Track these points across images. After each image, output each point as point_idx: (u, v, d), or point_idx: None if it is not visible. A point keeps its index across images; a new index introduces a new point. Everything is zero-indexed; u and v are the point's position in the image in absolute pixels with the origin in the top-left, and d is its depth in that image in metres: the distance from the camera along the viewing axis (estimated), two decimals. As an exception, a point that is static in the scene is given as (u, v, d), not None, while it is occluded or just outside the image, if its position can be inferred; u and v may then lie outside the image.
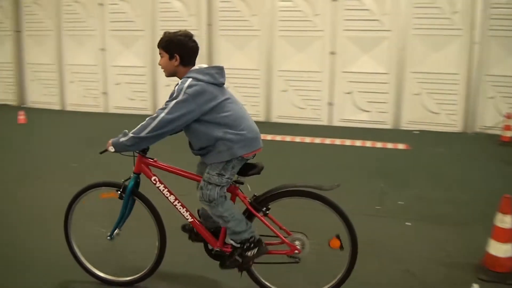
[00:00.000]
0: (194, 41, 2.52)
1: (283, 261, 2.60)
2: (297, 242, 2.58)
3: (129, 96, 10.34)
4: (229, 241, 2.55)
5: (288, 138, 7.63)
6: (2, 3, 11.34)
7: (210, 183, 2.44)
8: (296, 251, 2.56)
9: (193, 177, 2.57)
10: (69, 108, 11.04)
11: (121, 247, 3.01)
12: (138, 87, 10.22)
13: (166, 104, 2.37)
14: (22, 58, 11.41)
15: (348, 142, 7.36)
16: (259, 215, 2.54)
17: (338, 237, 2.49)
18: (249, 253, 2.54)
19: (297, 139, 7.58)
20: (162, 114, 2.35)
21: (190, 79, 2.40)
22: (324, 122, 8.96)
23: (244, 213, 2.53)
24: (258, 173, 2.52)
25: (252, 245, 2.54)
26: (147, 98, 10.18)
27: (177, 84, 2.40)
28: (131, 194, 2.62)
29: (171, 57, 2.49)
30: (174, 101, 2.36)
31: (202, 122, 2.39)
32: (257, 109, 9.24)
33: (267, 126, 8.44)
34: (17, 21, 11.23)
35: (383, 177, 5.37)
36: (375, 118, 8.68)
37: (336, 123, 8.89)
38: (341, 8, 8.52)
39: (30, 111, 10.48)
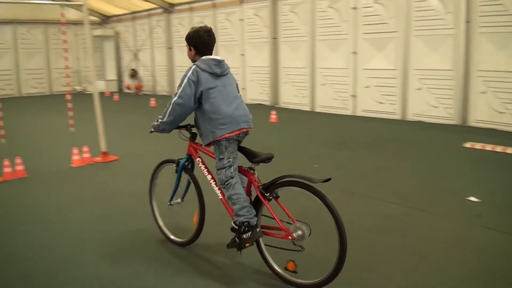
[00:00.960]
0: (209, 35, 3.78)
1: (288, 248, 3.45)
2: (299, 232, 3.38)
3: (378, 99, 12.49)
4: (231, 223, 3.65)
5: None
6: (260, 13, 15.06)
7: (218, 169, 3.72)
8: (290, 237, 3.39)
9: None
10: (318, 109, 13.98)
11: (180, 213, 4.51)
12: (388, 90, 12.32)
13: (177, 89, 3.69)
14: (278, 62, 14.90)
15: None
16: (265, 201, 3.52)
17: (292, 261, 3.40)
18: (244, 236, 3.52)
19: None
20: (174, 99, 3.67)
21: (194, 67, 3.70)
22: None
23: (255, 198, 3.62)
24: (264, 161, 3.60)
25: (246, 229, 3.51)
26: (396, 102, 12.22)
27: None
28: (182, 170, 4.14)
29: (189, 48, 3.84)
30: (181, 87, 3.64)
31: (198, 108, 3.70)
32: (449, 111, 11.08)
33: (463, 130, 9.91)
34: (275, 28, 14.73)
35: None
36: None
37: None
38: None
39: (281, 111, 13.85)
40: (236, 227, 3.61)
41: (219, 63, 3.77)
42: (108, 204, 5.84)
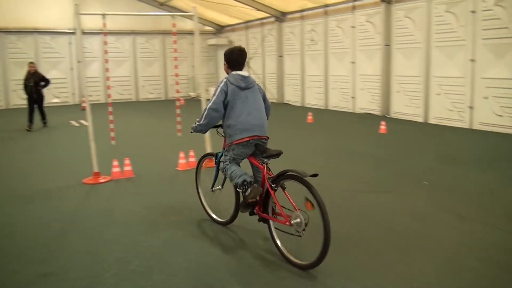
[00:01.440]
0: (240, 54, 4.60)
1: (290, 232, 4.18)
2: (297, 219, 4.04)
3: (497, 111, 11.45)
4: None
5: None
6: (373, 20, 14.61)
7: (222, 162, 4.74)
8: (287, 223, 4.12)
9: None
10: (432, 121, 13.21)
11: (221, 198, 5.43)
12: (508, 102, 11.25)
13: (211, 98, 4.50)
14: (390, 70, 14.33)
15: None
16: (271, 190, 4.31)
17: (307, 199, 3.93)
18: (246, 193, 4.40)
19: None
20: (209, 105, 4.51)
21: (225, 80, 4.53)
22: None
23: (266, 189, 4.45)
24: (272, 156, 4.35)
25: (246, 187, 4.41)
26: (517, 115, 11.06)
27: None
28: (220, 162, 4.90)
29: (225, 63, 4.69)
30: (215, 95, 4.48)
31: (224, 114, 4.53)
32: None
33: None
34: (387, 35, 14.19)
35: None
36: None
37: None
38: None
39: (392, 121, 13.25)
40: (240, 190, 4.51)
41: (245, 78, 4.58)
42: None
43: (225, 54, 4.69)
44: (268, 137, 4.64)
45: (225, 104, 4.50)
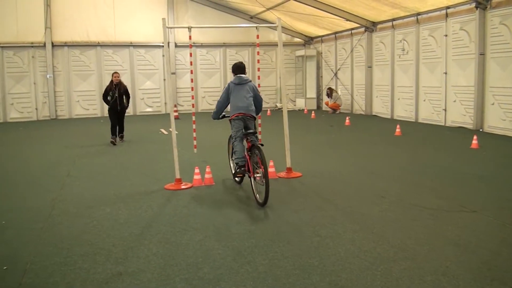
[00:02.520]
0: (239, 66, 7.60)
1: (258, 182, 6.73)
2: (258, 174, 6.68)
3: None
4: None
5: None
6: (466, 27, 13.86)
7: (233, 136, 7.45)
8: (252, 176, 6.95)
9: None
10: (531, 136, 12.15)
11: None
12: None
13: (221, 94, 7.61)
14: (484, 81, 13.50)
15: None
16: (247, 155, 7.16)
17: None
18: (237, 170, 7.22)
19: None
20: (219, 99, 7.62)
21: (229, 82, 7.58)
22: None
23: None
24: (248, 134, 7.20)
25: (238, 167, 7.20)
26: None
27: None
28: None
29: (232, 71, 7.73)
30: (223, 92, 7.56)
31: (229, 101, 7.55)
32: None
33: None
34: (482, 43, 13.41)
35: None
36: None
37: None
38: None
39: (485, 136, 12.47)
40: (234, 166, 7.55)
41: (239, 78, 7.53)
42: (284, 220, 5.90)
43: (232, 66, 7.73)
44: (252, 115, 7.46)
45: (228, 96, 7.49)
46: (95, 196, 7.37)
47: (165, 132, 15.29)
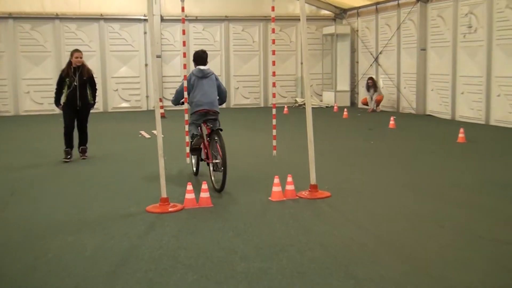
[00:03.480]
0: (202, 55, 9.40)
1: (215, 168, 8.91)
2: (217, 160, 8.72)
3: None
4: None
5: None
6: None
7: (189, 123, 9.19)
8: (210, 162, 9.02)
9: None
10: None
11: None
12: None
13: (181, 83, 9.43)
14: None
15: None
16: (206, 141, 9.18)
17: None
18: (193, 141, 9.07)
19: None
20: (177, 88, 9.55)
21: (190, 73, 9.39)
22: None
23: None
24: (208, 120, 9.23)
25: (193, 137, 9.13)
26: None
27: None
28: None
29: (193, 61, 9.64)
30: (182, 82, 9.15)
31: (190, 94, 9.22)
32: None
33: None
34: None
35: None
36: None
37: None
38: None
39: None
40: (191, 140, 9.05)
41: (202, 71, 9.23)
42: (307, 255, 5.90)
43: (193, 55, 9.50)
44: (216, 111, 9.26)
45: (189, 88, 9.11)
46: (51, 221, 7.39)
47: (147, 136, 15.38)
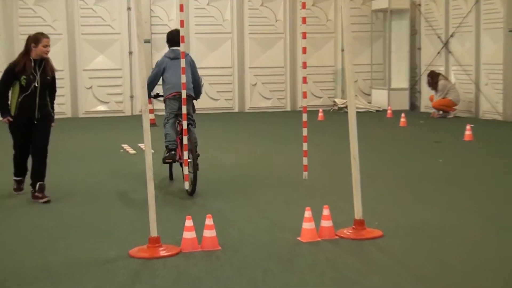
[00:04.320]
0: (174, 34, 11.76)
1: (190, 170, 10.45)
2: (189, 159, 10.57)
3: None
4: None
5: None
6: None
7: (165, 118, 11.74)
8: (181, 160, 11.21)
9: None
10: None
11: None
12: None
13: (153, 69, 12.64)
14: None
15: None
16: (179, 138, 11.43)
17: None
18: (166, 154, 11.43)
19: None
20: (150, 74, 11.92)
21: (163, 56, 12.04)
22: None
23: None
24: (178, 115, 11.22)
25: (167, 151, 11.41)
26: None
27: None
28: None
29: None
30: (154, 66, 12.50)
31: (162, 78, 11.90)
32: None
33: None
34: None
35: None
36: None
37: None
38: None
39: None
40: (165, 149, 11.46)
41: (174, 51, 11.34)
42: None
43: (167, 35, 11.87)
44: (191, 95, 11.02)
45: (161, 72, 11.35)
46: (3, 269, 7.41)
47: (132, 151, 15.53)
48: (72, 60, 22.43)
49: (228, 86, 24.12)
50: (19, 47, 21.07)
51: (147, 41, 22.68)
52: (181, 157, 10.92)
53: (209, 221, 8.00)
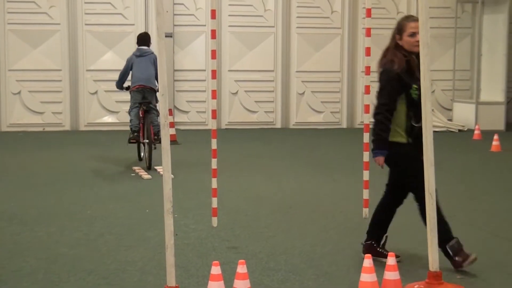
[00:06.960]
0: (142, 36, 19.34)
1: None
2: (147, 140, 18.68)
3: None
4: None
5: None
6: None
7: (130, 107, 18.93)
8: (142, 140, 19.07)
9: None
10: None
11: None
12: None
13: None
14: None
15: None
16: (141, 124, 18.57)
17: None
18: (130, 135, 18.10)
19: None
20: (121, 70, 19.86)
21: (131, 54, 19.66)
22: None
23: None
24: (143, 103, 18.13)
25: (131, 132, 18.07)
26: None
27: None
28: None
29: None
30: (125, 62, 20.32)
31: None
32: None
33: None
34: None
35: None
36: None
37: None
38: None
39: None
40: (130, 128, 18.48)
41: (140, 50, 18.40)
42: None
43: (137, 37, 18.93)
44: (152, 88, 17.33)
45: (129, 69, 17.89)
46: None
47: (146, 176, 15.69)
48: (72, 57, 22.64)
49: (269, 95, 24.35)
50: (7, 39, 21.64)
51: (169, 35, 22.88)
52: (143, 138, 16.85)
53: (242, 267, 8.01)
